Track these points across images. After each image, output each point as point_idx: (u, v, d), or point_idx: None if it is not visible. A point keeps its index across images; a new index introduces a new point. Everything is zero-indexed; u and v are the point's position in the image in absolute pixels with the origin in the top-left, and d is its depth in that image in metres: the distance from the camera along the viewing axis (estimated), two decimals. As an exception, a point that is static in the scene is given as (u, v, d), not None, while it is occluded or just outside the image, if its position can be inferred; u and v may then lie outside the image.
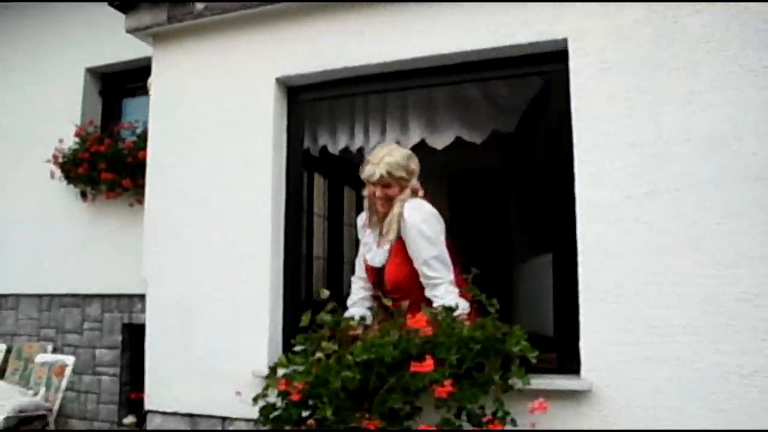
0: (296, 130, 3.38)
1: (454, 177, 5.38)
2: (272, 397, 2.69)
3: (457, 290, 2.86)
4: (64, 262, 7.36)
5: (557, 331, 2.87)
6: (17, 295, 7.72)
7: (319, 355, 2.69)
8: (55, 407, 5.89)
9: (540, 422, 2.50)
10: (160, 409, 3.43)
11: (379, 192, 2.94)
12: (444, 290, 2.83)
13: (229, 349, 3.27)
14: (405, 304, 2.71)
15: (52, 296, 7.52)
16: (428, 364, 2.35)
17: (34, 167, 7.41)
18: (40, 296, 7.60)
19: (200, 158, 3.47)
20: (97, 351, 7.12)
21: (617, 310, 2.67)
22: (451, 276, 2.89)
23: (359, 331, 2.80)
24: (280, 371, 2.74)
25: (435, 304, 2.81)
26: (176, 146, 3.53)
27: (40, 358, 6.44)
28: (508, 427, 2.45)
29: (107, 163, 6.90)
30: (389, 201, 2.95)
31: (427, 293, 2.90)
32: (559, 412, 2.65)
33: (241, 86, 3.39)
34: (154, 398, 3.46)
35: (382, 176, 2.89)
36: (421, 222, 2.88)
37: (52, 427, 5.88)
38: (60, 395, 5.92)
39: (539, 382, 2.62)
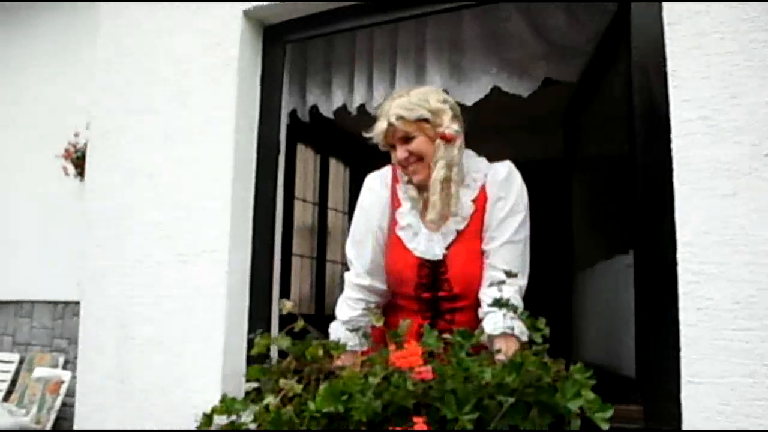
0: (274, 83, 2.47)
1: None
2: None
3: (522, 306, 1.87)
4: (79, 267, 6.78)
5: (641, 370, 1.86)
6: (33, 302, 7.21)
7: (268, 400, 1.76)
8: (48, 426, 5.25)
9: None
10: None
11: (400, 152, 1.98)
12: (512, 294, 1.84)
13: (175, 380, 2.37)
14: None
15: (66, 304, 6.94)
16: (418, 425, 1.38)
17: (46, 164, 6.91)
18: (55, 303, 7.04)
19: (152, 121, 2.60)
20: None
21: (745, 339, 1.64)
22: (524, 282, 1.96)
23: (340, 362, 1.87)
24: (218, 420, 1.84)
25: (482, 311, 1.94)
26: (123, 106, 2.68)
27: (37, 372, 5.86)
28: None
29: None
30: (421, 161, 1.98)
31: (481, 290, 1.98)
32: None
33: (201, 24, 2.52)
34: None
35: (391, 125, 1.96)
36: (519, 187, 2.03)
37: (43, 451, 5.20)
38: (53, 415, 5.30)
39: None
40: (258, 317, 2.37)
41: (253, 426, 1.79)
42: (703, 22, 1.76)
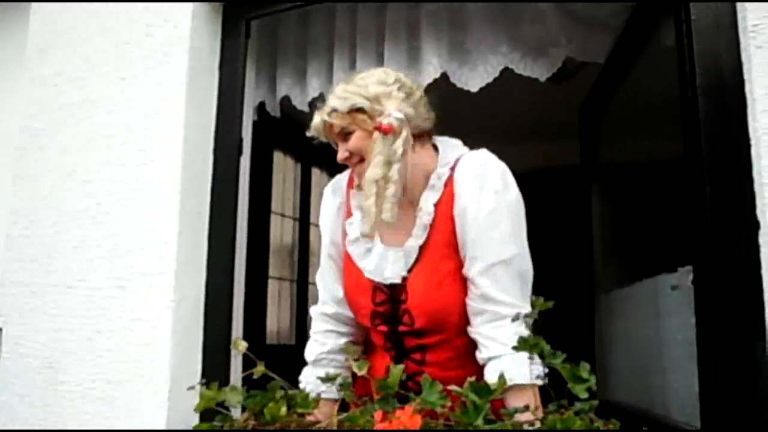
0: (234, 69, 2.02)
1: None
2: None
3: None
4: None
5: (707, 418, 1.41)
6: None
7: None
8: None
9: None
10: None
11: (341, 151, 1.55)
12: (513, 331, 1.38)
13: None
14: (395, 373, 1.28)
15: None
16: None
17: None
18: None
19: (88, 117, 2.14)
20: None
21: None
22: (527, 310, 1.43)
23: (314, 417, 1.40)
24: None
25: (484, 356, 1.45)
26: (56, 101, 2.22)
27: None
28: None
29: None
30: (362, 162, 1.52)
31: (476, 329, 1.49)
32: None
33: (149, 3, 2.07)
34: None
35: (325, 122, 1.54)
36: (501, 184, 1.51)
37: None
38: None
39: None
40: (213, 357, 1.89)
41: None
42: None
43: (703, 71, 1.45)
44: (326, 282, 1.69)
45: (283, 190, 3.34)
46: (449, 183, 1.53)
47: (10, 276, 2.21)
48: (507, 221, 1.47)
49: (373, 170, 1.46)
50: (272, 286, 3.33)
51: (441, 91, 1.70)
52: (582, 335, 2.81)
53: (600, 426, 1.13)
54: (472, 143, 1.57)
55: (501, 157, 1.51)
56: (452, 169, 1.54)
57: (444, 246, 1.51)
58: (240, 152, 2.01)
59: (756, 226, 1.33)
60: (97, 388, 1.96)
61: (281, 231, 3.37)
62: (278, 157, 3.32)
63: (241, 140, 2.02)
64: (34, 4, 2.39)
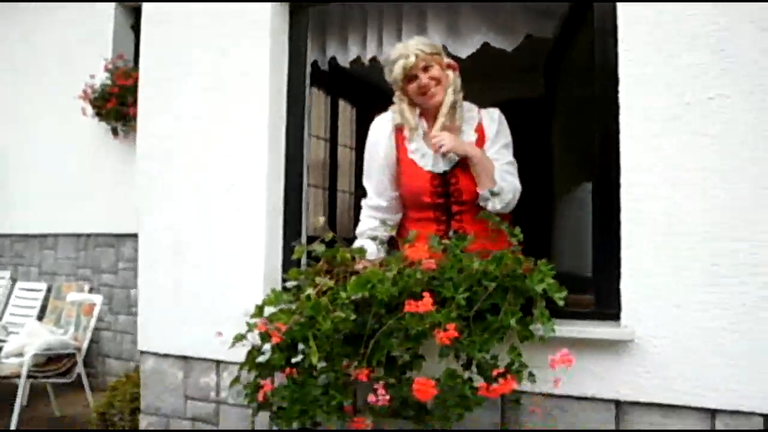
0: (299, 39, 2.94)
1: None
2: (256, 340, 2.33)
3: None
4: (98, 201, 7.27)
5: (595, 270, 2.41)
6: (56, 235, 7.68)
7: (308, 291, 2.30)
8: (84, 346, 5.81)
9: (567, 376, 2.06)
10: (153, 350, 3.13)
11: (424, 78, 2.56)
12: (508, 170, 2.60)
13: (222, 286, 2.92)
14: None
15: (89, 236, 7.45)
16: (425, 303, 1.93)
17: (67, 104, 7.28)
18: (77, 236, 7.54)
19: (195, 72, 3.07)
20: (132, 291, 7.05)
21: (669, 245, 2.18)
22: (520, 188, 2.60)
23: (360, 265, 2.40)
24: (268, 310, 2.38)
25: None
26: (170, 59, 3.15)
27: (70, 297, 6.39)
28: (526, 383, 2.02)
29: (136, 98, 6.67)
30: (439, 85, 2.58)
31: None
32: (592, 366, 2.22)
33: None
34: (146, 339, 3.16)
35: (417, 56, 2.54)
36: (507, 127, 2.71)
37: (80, 365, 5.79)
38: (88, 334, 5.84)
39: (570, 329, 2.20)
40: (290, 233, 2.90)
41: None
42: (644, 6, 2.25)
43: (598, 56, 2.39)
44: (374, 184, 2.70)
45: (317, 117, 4.25)
46: (480, 121, 2.64)
47: (141, 185, 3.19)
48: (511, 147, 2.64)
49: (449, 96, 2.55)
50: (309, 191, 4.29)
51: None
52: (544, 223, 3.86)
53: (522, 259, 2.13)
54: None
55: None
56: (479, 112, 2.67)
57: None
58: (305, 97, 2.96)
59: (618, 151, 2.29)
60: (212, 257, 2.97)
61: (316, 149, 4.31)
62: (313, 91, 4.22)
63: (305, 89, 2.96)
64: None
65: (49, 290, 7.16)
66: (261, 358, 2.35)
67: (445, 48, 2.83)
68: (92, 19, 7.38)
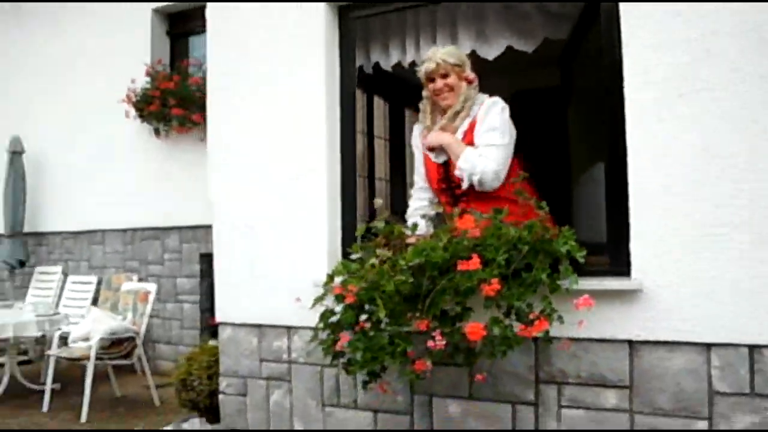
0: (348, 48, 3.42)
1: (516, 97, 5.32)
2: (330, 303, 2.83)
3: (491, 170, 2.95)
4: (143, 197, 7.77)
5: (609, 234, 2.89)
6: (104, 231, 8.20)
7: (373, 261, 2.80)
8: (142, 330, 6.29)
9: (588, 322, 2.55)
10: (230, 321, 3.65)
11: (439, 83, 3.08)
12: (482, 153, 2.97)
13: (290, 262, 3.42)
14: (456, 211, 2.79)
15: (134, 230, 7.97)
16: (474, 262, 2.43)
17: (110, 108, 7.79)
18: (124, 231, 8.05)
19: (256, 78, 3.57)
20: (178, 280, 7.57)
21: (669, 211, 2.66)
22: (494, 167, 2.94)
23: (413, 239, 2.89)
24: (337, 279, 2.88)
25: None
26: (233, 67, 3.64)
27: (126, 286, 6.85)
28: (556, 324, 2.50)
29: (177, 100, 7.18)
30: (452, 91, 3.08)
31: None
32: (608, 313, 2.70)
33: (292, 6, 3.45)
34: (223, 312, 3.68)
35: (438, 64, 3.04)
36: (498, 111, 3.04)
37: (140, 348, 6.29)
38: (145, 320, 6.30)
39: (589, 283, 2.67)
40: (347, 216, 3.40)
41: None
42: (643, 7, 2.72)
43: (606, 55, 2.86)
44: (420, 173, 3.26)
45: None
46: (476, 114, 3.06)
47: (216, 171, 3.69)
48: (497, 130, 2.99)
49: (458, 104, 3.06)
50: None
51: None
52: (567, 205, 4.35)
53: (549, 227, 2.61)
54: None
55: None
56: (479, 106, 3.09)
57: (470, 143, 3.05)
58: (354, 98, 3.45)
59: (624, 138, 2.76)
60: (281, 236, 3.47)
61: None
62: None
63: (354, 90, 3.45)
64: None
65: (99, 283, 7.70)
66: (332, 319, 2.84)
67: (474, 53, 3.31)
68: (128, 26, 7.86)
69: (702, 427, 2.61)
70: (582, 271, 2.64)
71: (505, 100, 3.09)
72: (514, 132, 3.04)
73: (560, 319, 2.50)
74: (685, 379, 2.64)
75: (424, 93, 3.21)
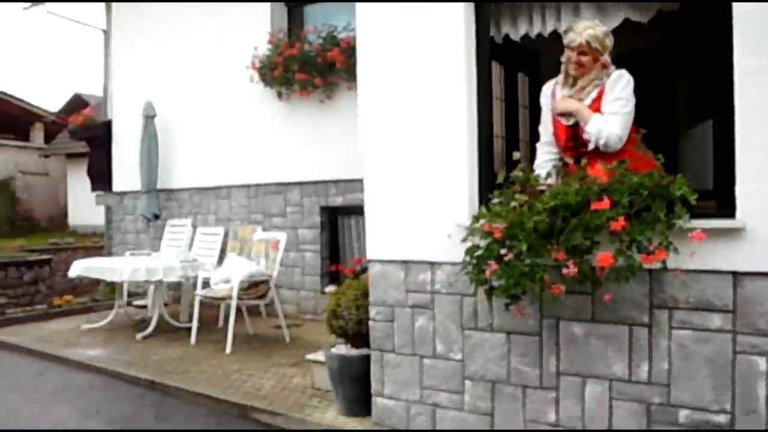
0: (483, 22, 3.96)
1: (622, 58, 5.71)
2: (475, 241, 3.44)
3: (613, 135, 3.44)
4: (266, 156, 8.53)
5: (716, 182, 3.37)
6: (229, 187, 9.03)
7: (513, 203, 3.39)
8: (275, 274, 7.04)
9: (699, 254, 3.08)
10: (379, 258, 4.31)
11: (574, 57, 3.55)
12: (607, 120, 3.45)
13: (436, 206, 4.01)
14: (584, 162, 3.34)
15: (258, 186, 8.77)
16: (605, 203, 2.98)
17: (235, 74, 8.55)
18: (248, 186, 8.85)
19: (407, 40, 4.13)
20: (299, 231, 8.34)
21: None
22: (618, 132, 3.42)
23: (544, 186, 3.45)
24: (482, 220, 3.48)
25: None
26: (397, 28, 4.17)
27: (257, 236, 7.61)
28: (672, 255, 3.03)
29: (299, 65, 7.85)
30: (581, 68, 3.56)
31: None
32: (715, 248, 3.18)
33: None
34: (374, 250, 4.33)
35: (581, 44, 3.50)
36: (624, 83, 3.48)
37: (273, 290, 7.05)
38: (277, 265, 7.05)
39: (699, 223, 3.14)
40: (484, 168, 3.98)
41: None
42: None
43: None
44: (547, 129, 3.78)
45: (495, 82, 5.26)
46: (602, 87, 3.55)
47: (365, 126, 4.32)
48: (622, 99, 3.48)
49: (585, 81, 3.55)
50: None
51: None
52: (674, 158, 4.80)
53: (664, 175, 3.14)
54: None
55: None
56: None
57: (596, 108, 3.55)
58: (490, 71, 3.99)
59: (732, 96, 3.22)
60: (428, 186, 4.08)
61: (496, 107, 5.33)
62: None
63: (490, 61, 3.99)
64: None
65: (226, 234, 8.57)
66: (477, 253, 3.45)
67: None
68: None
69: (797, 344, 3.11)
70: (693, 213, 3.13)
71: (613, 61, 3.58)
72: (633, 100, 3.51)
73: (675, 250, 3.03)
74: (782, 304, 3.13)
75: (563, 57, 3.66)
